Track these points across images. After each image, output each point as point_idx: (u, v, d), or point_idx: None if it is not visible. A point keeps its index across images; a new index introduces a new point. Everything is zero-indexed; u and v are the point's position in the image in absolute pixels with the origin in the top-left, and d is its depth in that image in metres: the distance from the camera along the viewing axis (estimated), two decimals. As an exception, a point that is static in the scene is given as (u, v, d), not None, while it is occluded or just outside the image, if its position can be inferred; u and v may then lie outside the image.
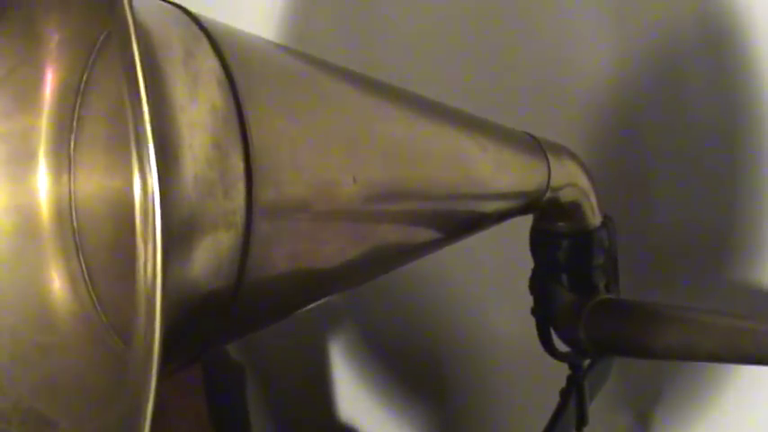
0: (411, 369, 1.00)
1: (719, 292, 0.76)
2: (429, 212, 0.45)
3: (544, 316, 0.60)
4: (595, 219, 0.58)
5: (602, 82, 0.75)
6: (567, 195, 0.55)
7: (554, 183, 0.53)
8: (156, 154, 0.24)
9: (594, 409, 0.80)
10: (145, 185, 0.24)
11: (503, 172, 0.50)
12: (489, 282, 0.89)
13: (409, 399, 1.01)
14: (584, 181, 0.56)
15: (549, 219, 0.58)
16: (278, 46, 0.43)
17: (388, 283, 0.95)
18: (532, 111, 0.76)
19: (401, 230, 0.44)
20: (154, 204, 0.24)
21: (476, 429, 0.95)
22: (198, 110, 0.29)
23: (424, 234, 0.46)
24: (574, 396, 0.62)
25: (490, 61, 0.81)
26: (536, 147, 0.53)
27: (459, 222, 0.48)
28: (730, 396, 0.76)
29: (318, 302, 0.47)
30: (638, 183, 0.77)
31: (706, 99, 0.70)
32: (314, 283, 0.40)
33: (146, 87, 0.24)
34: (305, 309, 0.45)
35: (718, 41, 0.68)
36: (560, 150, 0.55)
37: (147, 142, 0.24)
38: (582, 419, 0.62)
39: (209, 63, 0.31)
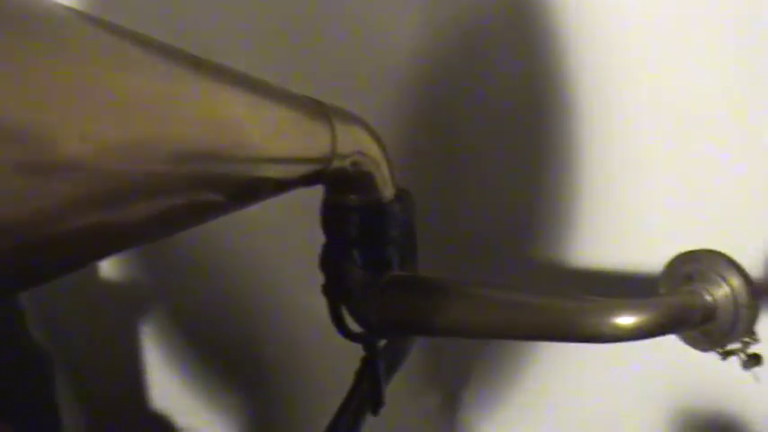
0: (224, 353, 0.96)
1: (529, 270, 0.75)
2: (186, 175, 0.40)
3: (335, 294, 0.56)
4: (388, 192, 0.55)
5: (409, 54, 0.73)
6: (356, 165, 0.52)
7: (340, 150, 0.50)
8: None
9: (404, 391, 0.79)
10: None
11: (278, 136, 0.46)
12: (302, 262, 0.85)
13: (222, 383, 0.97)
14: (374, 151, 0.53)
15: (340, 191, 0.54)
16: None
17: (199, 266, 0.90)
18: (338, 83, 0.73)
19: (153, 193, 0.39)
20: None
21: (290, 411, 0.92)
22: None
23: (185, 198, 0.41)
24: (368, 377, 0.59)
25: (298, 36, 0.77)
26: (320, 112, 0.49)
27: (229, 188, 0.44)
28: (534, 373, 0.76)
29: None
30: (448, 158, 0.76)
31: (509, 70, 0.69)
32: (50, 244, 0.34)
33: None
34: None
35: (521, 13, 0.66)
36: (349, 118, 0.51)
37: None
38: (377, 401, 0.59)
39: None
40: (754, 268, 0.64)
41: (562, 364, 0.75)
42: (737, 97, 0.62)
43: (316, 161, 0.50)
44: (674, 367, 0.70)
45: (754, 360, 0.46)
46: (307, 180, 0.51)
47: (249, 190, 0.47)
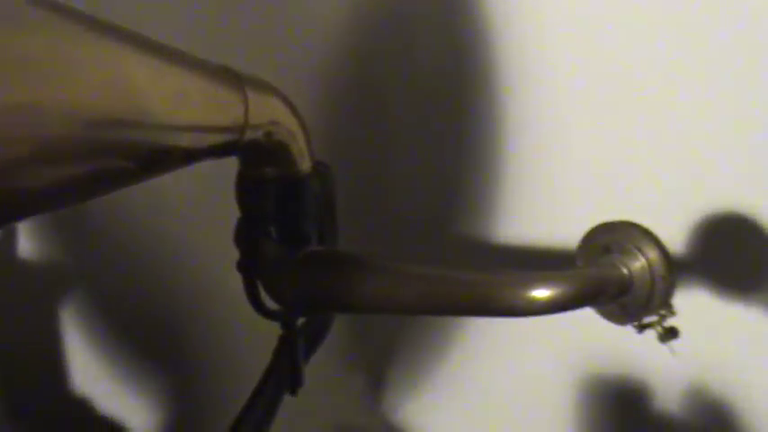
0: (146, 334, 0.94)
1: (454, 247, 0.75)
2: (85, 141, 0.38)
3: (250, 270, 0.54)
4: (306, 165, 0.53)
5: (336, 31, 0.71)
6: (270, 136, 0.50)
7: (253, 120, 0.48)
8: None
9: (330, 372, 0.77)
10: None
11: (185, 103, 0.44)
12: (224, 238, 0.84)
13: (145, 365, 0.95)
14: (290, 122, 0.51)
15: (255, 163, 0.53)
16: None
17: (119, 245, 0.88)
18: (260, 54, 0.71)
19: (49, 160, 0.37)
20: None
21: (214, 391, 0.90)
22: None
23: (85, 165, 0.39)
24: (286, 356, 0.57)
25: (218, 11, 0.75)
26: (231, 80, 0.47)
27: (134, 156, 0.42)
28: (458, 353, 0.76)
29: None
30: (374, 136, 0.74)
31: (434, 50, 0.68)
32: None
33: None
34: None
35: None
36: (263, 87, 0.49)
37: None
38: (296, 380, 0.58)
39: None
40: (672, 240, 0.65)
41: (486, 344, 0.75)
42: (656, 70, 0.62)
43: (227, 131, 0.48)
44: (592, 343, 0.70)
45: (671, 333, 0.46)
46: (219, 151, 0.49)
47: (156, 158, 0.45)
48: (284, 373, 0.57)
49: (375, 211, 0.75)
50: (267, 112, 0.49)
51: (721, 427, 0.72)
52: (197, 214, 0.79)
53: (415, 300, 0.47)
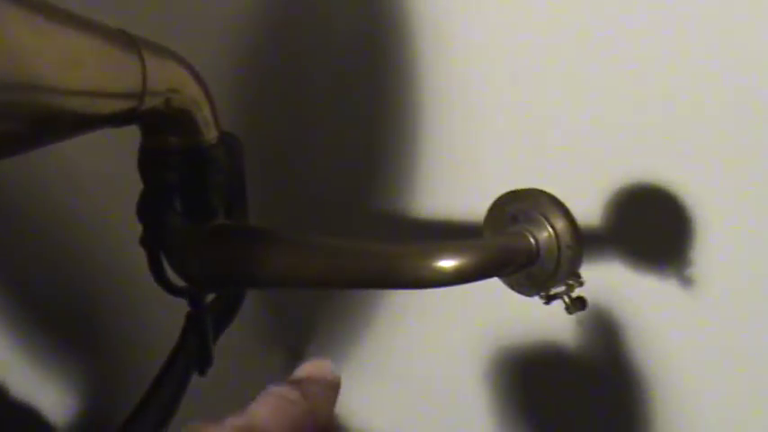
0: (57, 315, 0.90)
1: (371, 222, 0.74)
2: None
3: (154, 245, 0.52)
4: (211, 135, 0.51)
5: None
6: (171, 104, 0.48)
7: (152, 86, 0.46)
8: None
9: (247, 349, 0.76)
10: None
11: (75, 67, 0.41)
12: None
13: (55, 345, 0.92)
14: (193, 89, 0.49)
15: (157, 133, 0.50)
16: None
17: (28, 224, 0.84)
18: (166, 21, 0.69)
19: None
20: None
21: (125, 372, 0.88)
22: None
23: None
24: (195, 335, 0.55)
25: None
26: (127, 43, 0.45)
27: (19, 120, 0.39)
28: (377, 328, 0.75)
29: None
30: (290, 110, 0.73)
31: (351, 26, 0.67)
32: None
33: None
34: None
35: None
36: (162, 52, 0.47)
37: None
38: (205, 360, 0.56)
39: None
40: (587, 211, 0.65)
41: (403, 319, 0.74)
42: (572, 40, 0.61)
43: (124, 97, 0.45)
44: (506, 317, 0.70)
45: (578, 304, 0.45)
46: (117, 119, 0.47)
47: (47, 123, 0.42)
48: (193, 353, 0.56)
49: (289, 185, 0.73)
50: (167, 79, 0.47)
51: (635, 397, 0.73)
52: (109, 191, 0.76)
53: (322, 273, 0.46)
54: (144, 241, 0.53)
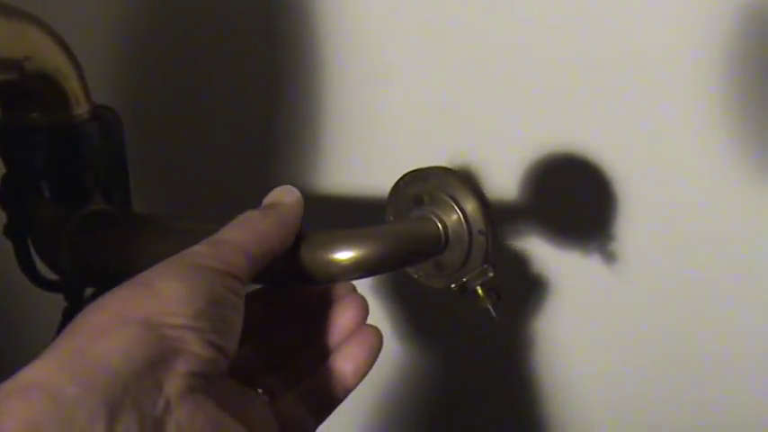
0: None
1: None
2: None
3: (21, 235, 0.46)
4: (82, 109, 0.45)
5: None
6: (29, 75, 0.41)
7: (5, 53, 0.39)
8: None
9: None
10: None
11: None
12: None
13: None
14: (57, 58, 0.43)
15: (18, 108, 0.44)
16: None
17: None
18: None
19: None
20: None
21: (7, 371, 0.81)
22: None
23: None
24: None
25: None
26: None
27: None
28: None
29: None
30: (180, 78, 0.66)
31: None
32: None
33: None
34: None
35: None
36: (17, 15, 0.41)
37: None
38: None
39: None
40: (499, 189, 0.61)
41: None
42: (483, 10, 0.57)
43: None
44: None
45: (493, 294, 0.40)
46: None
47: None
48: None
49: (182, 165, 0.67)
50: (24, 47, 0.41)
51: (548, 381, 0.70)
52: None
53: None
54: (8, 231, 0.46)
